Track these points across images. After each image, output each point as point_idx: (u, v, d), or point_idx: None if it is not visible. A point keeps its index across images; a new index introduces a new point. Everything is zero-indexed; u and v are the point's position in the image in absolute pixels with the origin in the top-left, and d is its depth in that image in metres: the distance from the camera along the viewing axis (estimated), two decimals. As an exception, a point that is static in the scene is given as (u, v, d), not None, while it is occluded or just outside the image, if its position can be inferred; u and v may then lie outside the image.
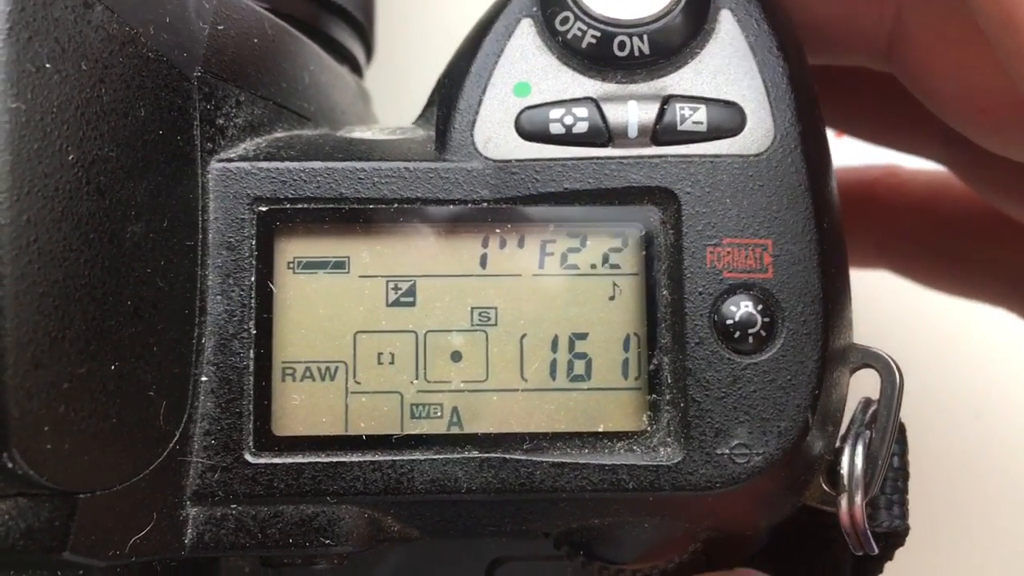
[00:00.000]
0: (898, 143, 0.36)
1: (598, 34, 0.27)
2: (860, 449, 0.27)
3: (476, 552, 0.30)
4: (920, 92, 0.30)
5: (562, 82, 0.27)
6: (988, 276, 0.38)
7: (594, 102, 0.27)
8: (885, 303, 0.45)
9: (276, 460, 0.26)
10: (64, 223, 0.22)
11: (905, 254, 0.39)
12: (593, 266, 0.27)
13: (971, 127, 0.29)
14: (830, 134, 0.29)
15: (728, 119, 0.27)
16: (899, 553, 0.29)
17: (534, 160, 0.27)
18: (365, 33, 0.37)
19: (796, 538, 0.31)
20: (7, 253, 0.21)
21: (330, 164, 0.27)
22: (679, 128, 0.27)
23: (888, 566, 0.30)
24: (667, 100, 0.27)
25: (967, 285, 0.39)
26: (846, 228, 0.29)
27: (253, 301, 0.26)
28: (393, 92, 0.41)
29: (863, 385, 0.28)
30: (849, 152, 0.38)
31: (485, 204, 0.27)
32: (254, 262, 0.26)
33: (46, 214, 0.22)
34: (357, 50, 0.37)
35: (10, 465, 0.21)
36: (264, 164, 0.27)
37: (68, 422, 0.22)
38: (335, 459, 0.26)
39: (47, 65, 0.22)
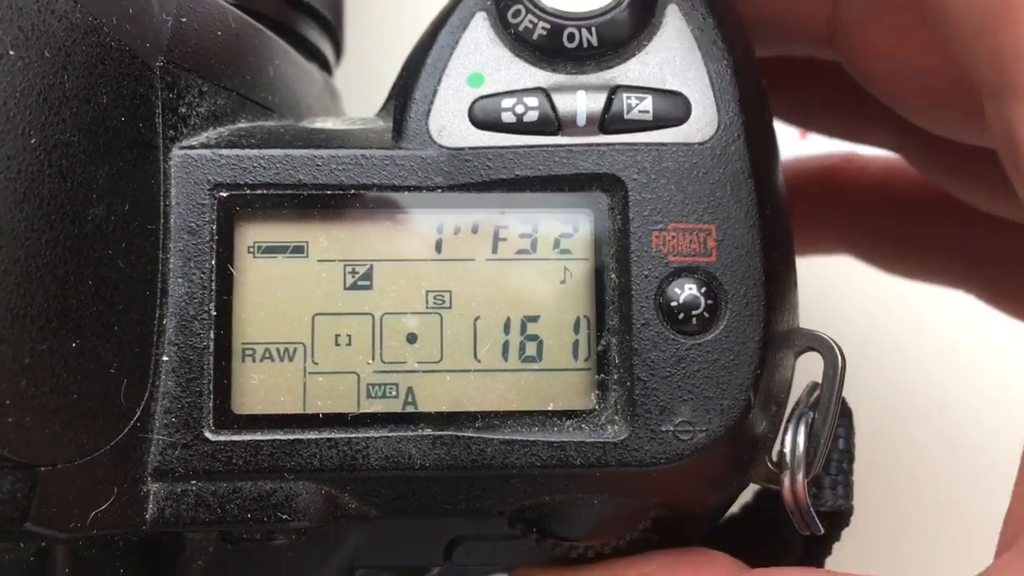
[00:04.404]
0: (850, 133, 0.37)
1: (548, 26, 0.28)
2: (803, 429, 0.28)
3: (434, 532, 0.30)
4: (861, 77, 0.31)
5: (514, 73, 0.28)
6: (945, 258, 0.38)
7: (544, 92, 0.28)
8: (849, 295, 0.46)
9: (235, 437, 0.27)
10: (26, 204, 0.23)
11: (865, 238, 0.40)
12: (545, 251, 0.28)
13: (911, 109, 0.30)
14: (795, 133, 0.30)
15: (673, 109, 0.28)
16: (862, 543, 0.30)
17: (486, 148, 0.28)
18: (334, 31, 0.38)
19: (747, 519, 0.32)
20: (-31, 233, 0.22)
21: (289, 151, 0.27)
22: (626, 117, 0.28)
23: (853, 559, 0.30)
24: (615, 90, 0.28)
25: (926, 268, 0.39)
26: (808, 215, 0.30)
27: (213, 284, 0.27)
28: (366, 90, 0.42)
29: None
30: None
31: (439, 190, 0.28)
32: (214, 246, 0.27)
33: (8, 195, 0.22)
34: (326, 48, 0.38)
35: (-29, 437, 0.22)
36: (225, 151, 0.27)
37: (29, 396, 0.23)
38: (292, 436, 0.27)
39: (10, 52, 0.23)
